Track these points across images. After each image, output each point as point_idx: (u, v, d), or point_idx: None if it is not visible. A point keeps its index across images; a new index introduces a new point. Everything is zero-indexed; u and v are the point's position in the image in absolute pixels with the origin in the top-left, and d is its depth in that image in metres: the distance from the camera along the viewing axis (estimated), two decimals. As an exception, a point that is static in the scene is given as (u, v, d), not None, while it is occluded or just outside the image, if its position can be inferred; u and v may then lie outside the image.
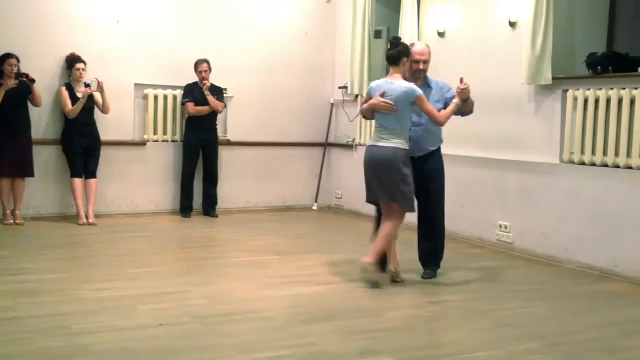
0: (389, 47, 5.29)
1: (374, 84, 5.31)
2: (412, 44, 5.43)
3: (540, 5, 6.15)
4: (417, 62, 5.24)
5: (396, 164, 5.06)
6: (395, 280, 5.26)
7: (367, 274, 5.13)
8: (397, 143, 5.07)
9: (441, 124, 5.21)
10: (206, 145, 8.21)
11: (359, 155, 8.61)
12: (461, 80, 5.16)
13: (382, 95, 5.10)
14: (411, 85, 5.07)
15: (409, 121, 5.16)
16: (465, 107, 5.29)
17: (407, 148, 5.11)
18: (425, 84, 5.32)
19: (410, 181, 5.11)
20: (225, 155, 8.54)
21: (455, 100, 5.17)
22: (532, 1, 6.20)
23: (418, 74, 5.26)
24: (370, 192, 5.32)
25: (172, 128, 8.28)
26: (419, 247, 5.57)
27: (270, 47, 8.74)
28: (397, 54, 5.13)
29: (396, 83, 5.10)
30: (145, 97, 8.14)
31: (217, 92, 8.13)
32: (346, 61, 8.64)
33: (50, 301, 4.54)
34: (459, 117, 5.43)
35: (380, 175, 5.14)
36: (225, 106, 8.29)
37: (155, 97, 8.17)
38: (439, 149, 5.44)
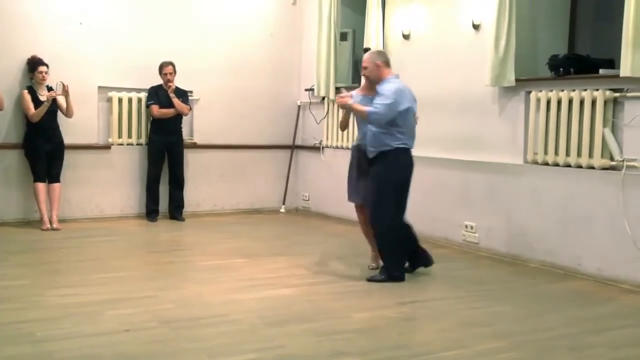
0: None
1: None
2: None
3: (503, 8, 6.23)
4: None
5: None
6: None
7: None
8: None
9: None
10: (171, 148, 8.14)
11: (326, 157, 8.67)
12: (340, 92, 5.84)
13: None
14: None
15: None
16: (355, 115, 5.66)
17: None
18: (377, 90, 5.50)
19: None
20: (191, 158, 8.49)
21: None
22: (495, 4, 6.27)
23: (366, 78, 5.64)
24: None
25: (137, 131, 8.20)
26: None
27: (236, 49, 8.72)
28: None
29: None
30: (109, 100, 8.06)
31: (182, 94, 8.08)
32: (312, 63, 8.64)
33: (14, 308, 4.46)
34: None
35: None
36: (190, 109, 8.24)
37: (120, 100, 8.08)
38: (385, 152, 5.37)
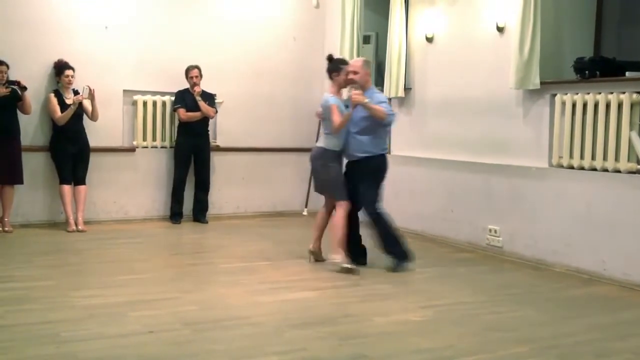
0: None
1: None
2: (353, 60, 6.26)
3: (527, 10, 6.19)
4: (347, 73, 5.86)
5: (321, 160, 5.90)
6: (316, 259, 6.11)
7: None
8: (325, 144, 5.90)
9: (334, 130, 5.78)
10: (198, 152, 8.19)
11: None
12: (354, 89, 5.75)
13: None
14: (328, 97, 5.84)
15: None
16: (372, 115, 5.69)
17: (334, 149, 5.87)
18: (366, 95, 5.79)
19: (333, 176, 5.90)
20: (215, 161, 8.53)
21: (349, 110, 5.74)
22: (519, 6, 6.23)
23: (350, 83, 5.84)
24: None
25: (162, 134, 8.27)
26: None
27: (259, 52, 8.75)
28: (327, 71, 5.99)
29: (325, 96, 5.97)
30: (134, 103, 8.13)
31: (208, 98, 8.12)
32: (335, 66, 8.63)
33: (39, 309, 4.52)
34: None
35: (315, 168, 6.05)
36: (216, 112, 8.28)
37: (145, 103, 8.15)
38: (371, 157, 5.84)
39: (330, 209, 6.05)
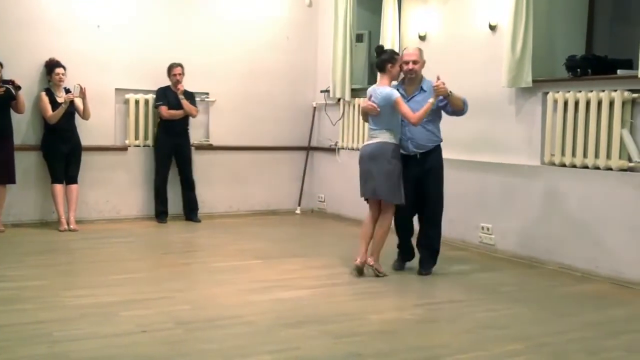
0: (375, 56, 5.73)
1: (369, 89, 5.73)
2: (405, 49, 5.94)
3: (520, 9, 6.20)
4: (407, 62, 5.57)
5: (382, 156, 5.48)
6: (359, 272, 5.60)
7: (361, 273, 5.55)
8: (385, 138, 5.52)
9: (413, 123, 5.45)
10: (178, 150, 8.13)
11: (342, 158, 8.66)
12: (437, 78, 5.44)
13: (369, 99, 5.59)
14: (389, 90, 5.51)
15: (395, 120, 5.55)
16: (452, 105, 5.52)
17: (395, 142, 5.52)
18: (419, 88, 5.62)
19: (394, 175, 5.49)
20: (207, 160, 8.52)
21: (431, 100, 5.42)
22: (512, 5, 6.24)
23: (410, 74, 5.57)
24: (362, 187, 5.71)
25: (154, 133, 8.23)
26: (417, 246, 5.89)
27: (252, 51, 8.73)
28: (380, 63, 5.62)
29: (380, 89, 5.56)
30: (126, 102, 8.10)
31: (190, 96, 8.08)
32: (328, 65, 8.64)
33: (31, 309, 4.50)
34: (449, 118, 5.75)
35: (370, 169, 5.54)
36: (198, 111, 8.23)
37: (137, 102, 8.12)
38: (438, 146, 5.69)
39: (376, 216, 5.64)
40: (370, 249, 5.59)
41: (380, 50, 5.71)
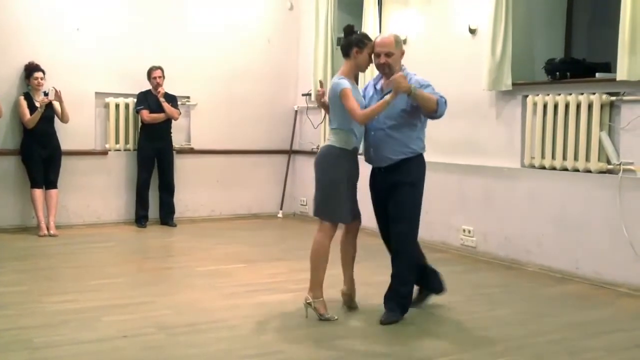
0: (343, 36, 4.55)
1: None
2: (379, 35, 4.81)
3: (499, 13, 6.25)
4: (379, 55, 4.44)
5: (321, 163, 4.50)
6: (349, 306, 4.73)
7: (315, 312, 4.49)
8: (332, 141, 4.47)
9: (358, 122, 4.34)
10: (161, 154, 8.10)
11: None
12: (402, 70, 4.49)
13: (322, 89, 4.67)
14: (338, 79, 4.41)
15: (348, 119, 4.37)
16: (420, 106, 4.34)
17: (344, 147, 4.43)
18: None
19: (331, 187, 4.44)
20: (189, 164, 8.49)
21: (387, 97, 4.27)
22: (491, 8, 6.29)
23: (382, 70, 4.47)
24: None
25: (135, 137, 8.19)
26: None
27: (233, 54, 8.73)
28: (345, 45, 4.48)
29: (334, 78, 4.52)
30: (106, 106, 8.05)
31: (172, 99, 8.05)
32: (309, 68, 8.66)
33: (11, 314, 4.46)
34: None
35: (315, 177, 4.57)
36: (180, 113, 8.20)
37: (117, 106, 8.08)
38: (409, 159, 4.49)
39: (353, 233, 4.66)
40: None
41: (349, 30, 4.47)
